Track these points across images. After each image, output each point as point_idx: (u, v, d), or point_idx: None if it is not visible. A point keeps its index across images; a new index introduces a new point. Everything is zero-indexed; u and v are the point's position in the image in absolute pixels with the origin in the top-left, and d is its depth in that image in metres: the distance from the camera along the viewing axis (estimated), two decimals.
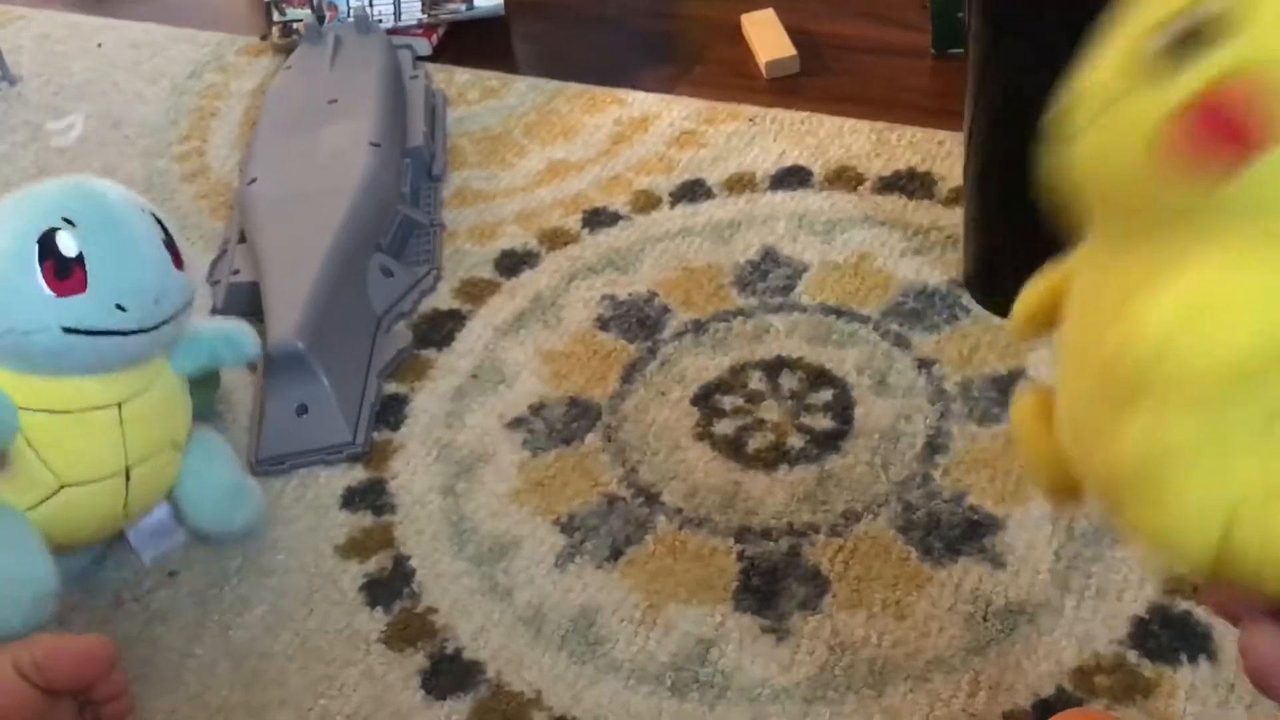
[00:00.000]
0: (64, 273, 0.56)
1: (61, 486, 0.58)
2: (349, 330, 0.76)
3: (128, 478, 0.60)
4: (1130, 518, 0.28)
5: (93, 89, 1.08)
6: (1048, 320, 0.35)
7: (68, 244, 0.56)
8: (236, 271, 0.82)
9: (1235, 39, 0.26)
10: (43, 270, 0.56)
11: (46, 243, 0.56)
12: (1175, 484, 0.27)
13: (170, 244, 0.61)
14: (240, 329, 0.66)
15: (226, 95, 1.05)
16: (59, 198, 0.58)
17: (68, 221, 0.57)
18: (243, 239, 0.84)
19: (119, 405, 0.59)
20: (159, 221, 0.61)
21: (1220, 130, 0.26)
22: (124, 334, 0.58)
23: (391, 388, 0.75)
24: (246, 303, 0.80)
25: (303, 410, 0.71)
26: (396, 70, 0.97)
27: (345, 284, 0.77)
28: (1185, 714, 0.51)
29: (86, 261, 0.57)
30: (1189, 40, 0.27)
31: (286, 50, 1.05)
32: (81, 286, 0.56)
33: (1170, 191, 0.27)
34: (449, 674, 0.59)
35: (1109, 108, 0.29)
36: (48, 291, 0.56)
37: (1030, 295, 0.35)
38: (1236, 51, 0.26)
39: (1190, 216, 0.27)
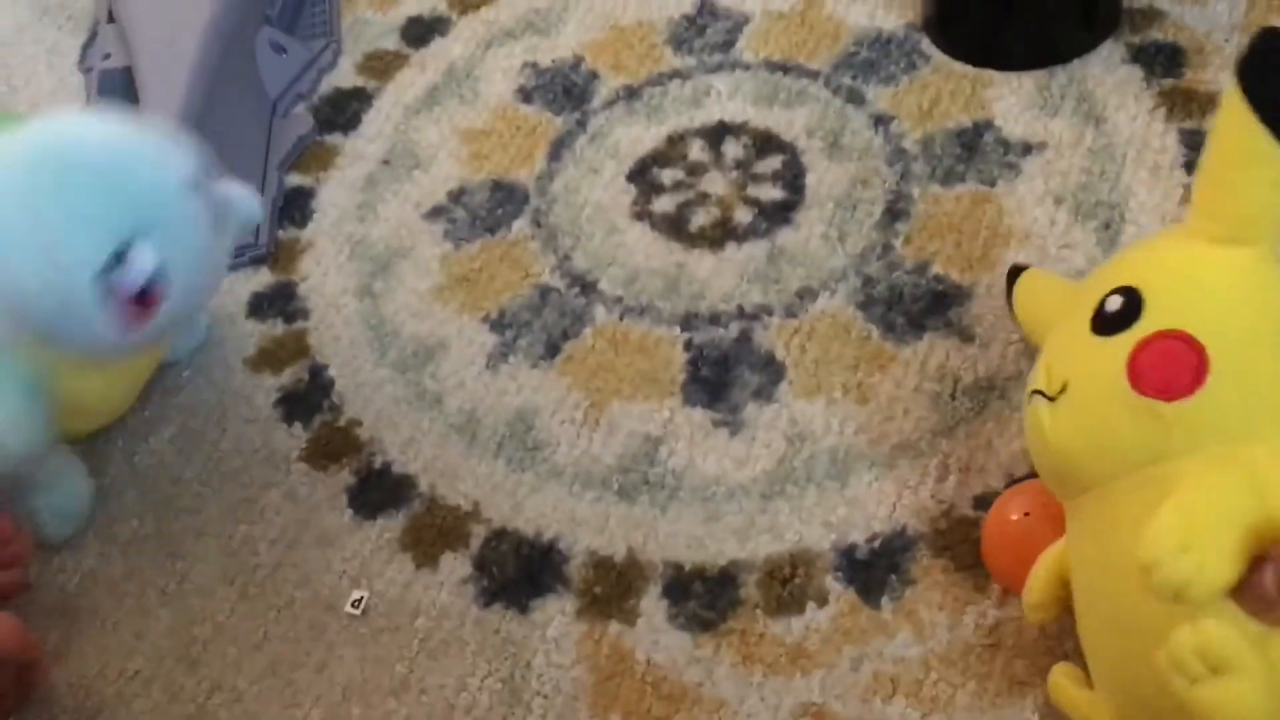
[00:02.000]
0: (139, 298, 0.49)
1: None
2: (240, 117, 0.68)
3: None
4: (1202, 705, 0.35)
5: None
6: (1061, 590, 0.42)
7: (145, 260, 0.48)
8: (108, 56, 0.73)
9: (1149, 314, 0.38)
10: (117, 299, 0.48)
11: (120, 261, 0.48)
12: (1235, 667, 0.34)
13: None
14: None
15: None
16: (118, 208, 0.48)
17: (137, 235, 0.48)
18: (111, 18, 0.74)
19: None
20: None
21: (1165, 367, 0.36)
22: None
23: (294, 180, 0.68)
24: (123, 90, 0.71)
25: None
26: None
27: (230, 63, 0.69)
28: None
29: (164, 277, 0.49)
30: (1117, 317, 0.38)
31: None
32: (156, 305, 0.49)
33: (1144, 417, 0.37)
34: (378, 490, 0.54)
35: (1079, 371, 0.39)
36: (121, 324, 0.49)
37: (1036, 581, 0.42)
38: (1154, 321, 0.37)
39: (1165, 450, 0.37)
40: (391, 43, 0.74)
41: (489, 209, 0.64)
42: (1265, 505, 0.34)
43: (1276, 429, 0.36)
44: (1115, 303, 0.38)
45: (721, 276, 0.59)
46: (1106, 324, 0.38)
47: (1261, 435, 0.36)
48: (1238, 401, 0.36)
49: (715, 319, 0.57)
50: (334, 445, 0.56)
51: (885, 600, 0.47)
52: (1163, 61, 0.62)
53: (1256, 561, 0.34)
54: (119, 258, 0.48)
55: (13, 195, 0.48)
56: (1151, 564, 0.34)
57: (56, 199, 0.47)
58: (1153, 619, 0.35)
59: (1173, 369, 0.36)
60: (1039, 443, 0.40)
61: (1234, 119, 0.37)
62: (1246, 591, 0.34)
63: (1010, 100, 0.62)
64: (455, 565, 0.51)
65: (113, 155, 0.49)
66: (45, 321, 0.48)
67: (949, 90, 0.63)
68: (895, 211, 0.59)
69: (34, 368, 0.50)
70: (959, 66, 0.64)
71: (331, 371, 0.59)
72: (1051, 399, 0.39)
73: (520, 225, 0.63)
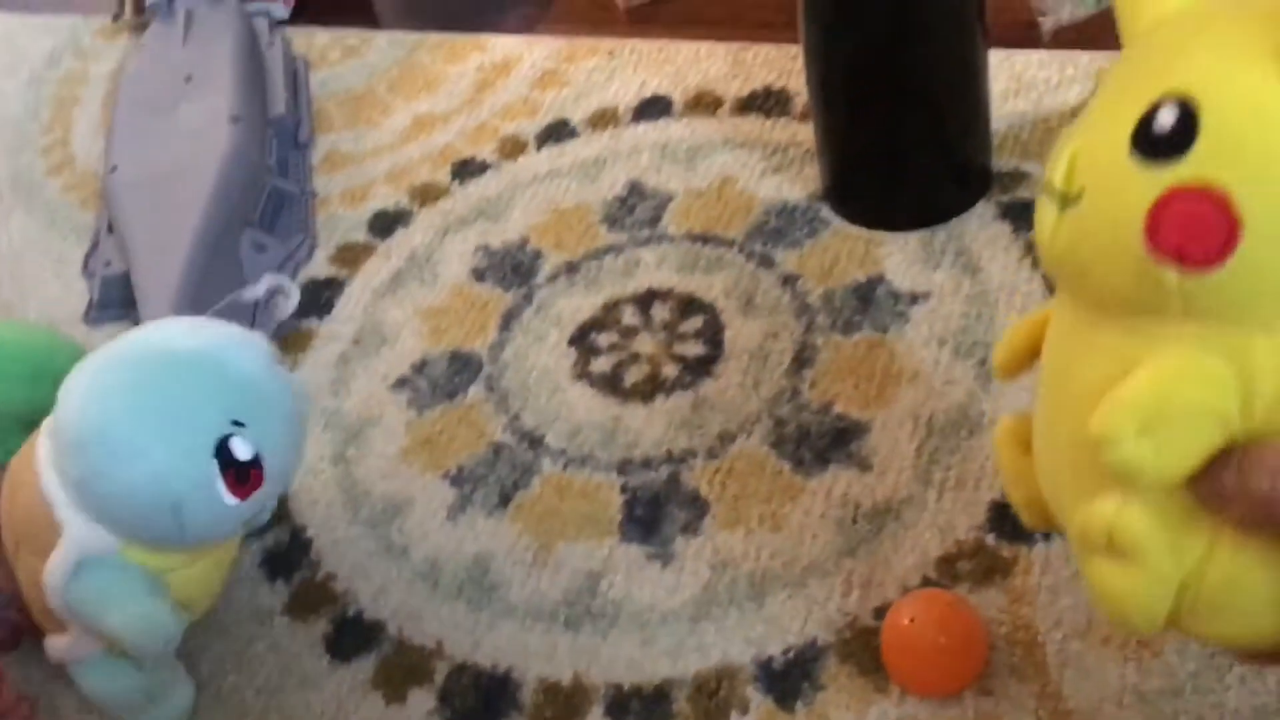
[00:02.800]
0: (243, 478, 0.52)
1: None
2: (224, 312, 0.76)
3: None
4: (1093, 579, 0.33)
5: None
6: (1028, 359, 0.39)
7: (243, 450, 0.52)
8: (109, 263, 0.82)
9: (1197, 152, 0.30)
10: (225, 481, 0.52)
11: (222, 453, 0.52)
12: (1137, 562, 0.32)
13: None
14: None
15: (86, 81, 1.04)
16: (219, 397, 0.52)
17: (237, 424, 0.52)
18: (111, 229, 0.83)
19: None
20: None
21: (1188, 232, 0.30)
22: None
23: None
24: (121, 295, 0.80)
25: None
26: (253, 39, 0.96)
27: (217, 264, 0.77)
28: (1040, 588, 0.54)
29: (262, 460, 0.53)
30: (1164, 140, 0.30)
31: (140, 28, 1.03)
32: (259, 484, 0.53)
33: (1149, 282, 0.31)
34: (352, 636, 0.60)
35: (1100, 186, 0.32)
36: (232, 501, 0.52)
37: (1012, 336, 0.39)
38: (1199, 163, 0.30)
39: (1160, 311, 0.31)
40: (360, 235, 0.83)
41: (448, 377, 0.72)
42: (1246, 403, 0.30)
43: None
44: (1168, 118, 0.30)
45: (652, 426, 0.66)
46: (1150, 144, 0.31)
47: (1273, 328, 0.30)
48: (1258, 289, 0.30)
49: (647, 464, 0.64)
50: (312, 598, 0.63)
51: (799, 705, 0.53)
52: (1028, 217, 0.71)
53: (1223, 454, 0.31)
54: (224, 443, 0.51)
55: (121, 402, 0.51)
56: (1107, 439, 0.30)
57: (165, 393, 0.52)
58: (1087, 465, 0.33)
59: (1196, 236, 0.30)
60: (1039, 239, 0.35)
61: None
62: (1206, 482, 0.31)
63: (899, 257, 0.71)
64: (422, 699, 0.57)
65: (205, 348, 0.54)
66: (162, 515, 0.51)
67: (846, 250, 0.72)
68: (802, 359, 0.67)
69: (147, 569, 0.54)
70: (854, 229, 0.73)
71: (310, 532, 0.66)
72: (1064, 199, 0.33)
73: (475, 391, 0.71)
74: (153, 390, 0.52)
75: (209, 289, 0.76)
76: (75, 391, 0.52)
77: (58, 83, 1.04)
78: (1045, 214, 0.34)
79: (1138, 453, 0.30)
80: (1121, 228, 0.31)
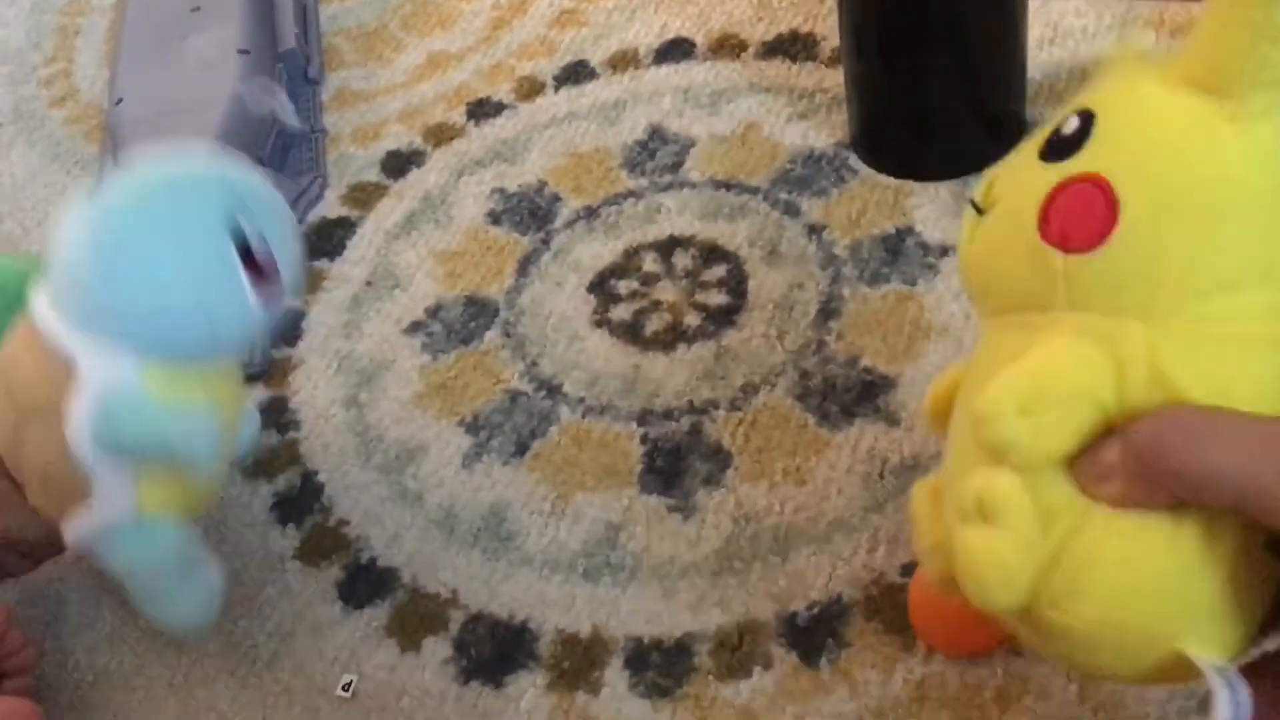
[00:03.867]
0: (259, 271, 0.51)
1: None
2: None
3: None
4: (960, 547, 0.35)
5: None
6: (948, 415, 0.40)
7: (256, 240, 0.50)
8: None
9: (1089, 149, 0.34)
10: (247, 273, 0.50)
11: (239, 240, 0.50)
12: (1001, 523, 0.34)
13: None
14: None
15: (89, 10, 1.01)
16: (223, 194, 0.50)
17: (242, 216, 0.50)
18: (117, 162, 0.81)
19: None
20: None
21: (1073, 217, 0.33)
22: None
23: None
24: None
25: None
26: None
27: None
28: None
29: (272, 253, 0.51)
30: (1064, 143, 0.34)
31: None
32: (274, 279, 0.51)
33: (1039, 270, 0.34)
34: (365, 583, 0.59)
35: (1008, 192, 0.36)
36: (254, 298, 0.50)
37: (937, 390, 0.42)
38: (1089, 158, 0.33)
39: (1048, 301, 0.34)
40: (373, 175, 0.81)
41: (463, 322, 0.70)
42: (1120, 386, 0.32)
43: (1166, 311, 0.32)
44: (1071, 125, 0.34)
45: (674, 376, 0.65)
46: (1054, 148, 0.34)
47: (1147, 313, 0.33)
48: (1133, 272, 0.33)
49: (668, 414, 0.63)
50: (324, 544, 0.61)
51: (824, 662, 0.52)
52: None
53: (1101, 436, 0.33)
54: (237, 233, 0.50)
55: (132, 219, 0.50)
56: (985, 418, 0.33)
57: (171, 199, 0.50)
58: (973, 450, 0.35)
59: (1079, 219, 0.33)
60: (959, 254, 0.38)
61: None
62: (1085, 461, 0.33)
63: (929, 208, 0.69)
64: (436, 648, 0.56)
65: (191, 160, 0.53)
66: (193, 318, 0.50)
67: (874, 200, 0.70)
68: (828, 311, 0.65)
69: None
70: (883, 179, 0.71)
71: (321, 477, 0.64)
72: (980, 212, 0.37)
73: (491, 336, 0.69)
74: (158, 199, 0.50)
75: None
76: (79, 227, 0.50)
77: (59, 12, 1.02)
78: (965, 224, 0.37)
79: (1015, 431, 0.32)
80: (1020, 221, 0.34)
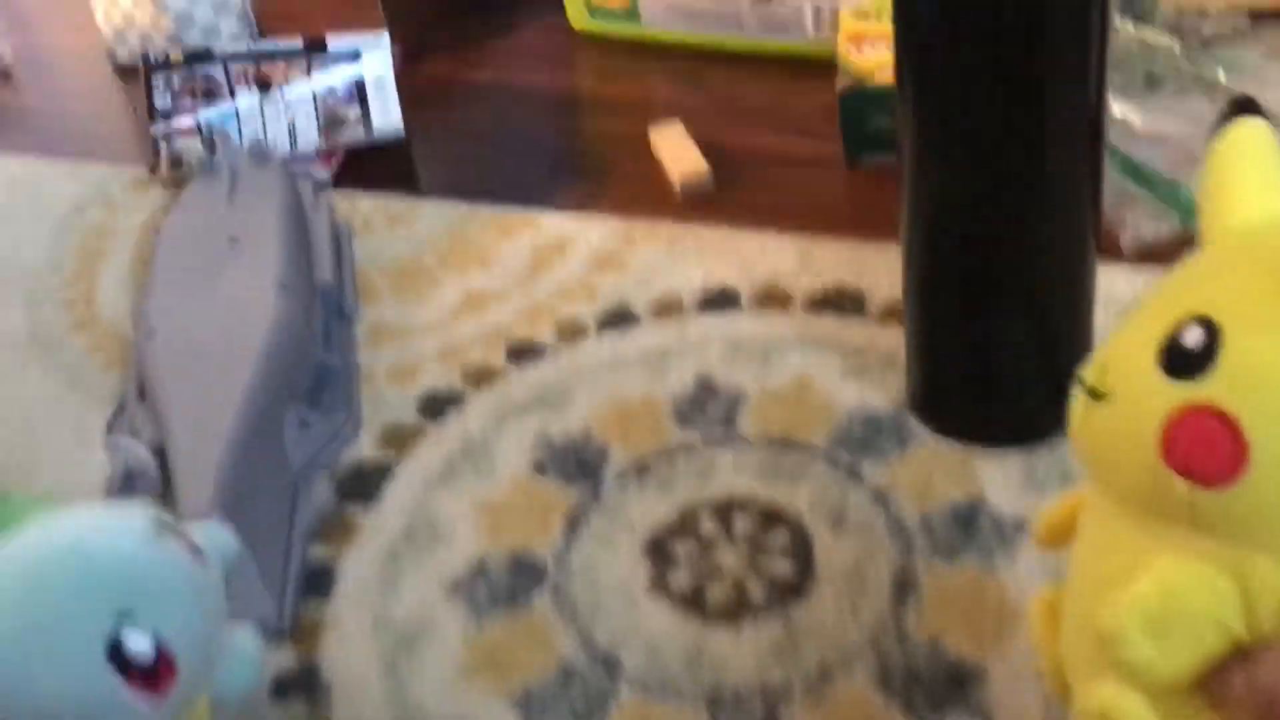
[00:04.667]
0: (150, 673, 0.47)
1: None
2: (267, 492, 0.71)
3: None
4: None
5: None
6: (1066, 534, 0.42)
7: (139, 642, 0.47)
8: (138, 431, 0.76)
9: (1216, 377, 0.34)
10: (131, 685, 0.46)
11: (117, 655, 0.46)
12: None
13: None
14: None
15: (114, 233, 0.99)
16: (96, 594, 0.47)
17: (125, 616, 0.47)
18: (142, 395, 0.78)
19: None
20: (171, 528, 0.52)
21: (1198, 451, 0.33)
22: None
23: (317, 551, 0.70)
24: (147, 467, 0.74)
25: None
26: (299, 202, 0.92)
27: (261, 442, 0.72)
28: None
29: (170, 647, 0.47)
30: (1187, 358, 0.34)
31: (176, 183, 1.00)
32: (171, 674, 0.47)
33: (1161, 488, 0.34)
34: None
35: (1125, 390, 0.36)
36: (145, 704, 0.47)
37: (1051, 512, 0.44)
38: (1216, 388, 0.33)
39: (1171, 517, 0.34)
40: (409, 417, 0.78)
41: (509, 582, 0.66)
42: (1248, 615, 0.34)
43: None
44: (1192, 338, 0.34)
45: (740, 652, 0.61)
46: (1173, 360, 0.35)
47: (1273, 549, 0.34)
48: (1264, 515, 0.34)
49: (739, 699, 0.59)
50: None
51: None
52: None
53: (1232, 658, 0.34)
54: (116, 644, 0.46)
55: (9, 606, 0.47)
56: (1114, 638, 0.34)
57: (38, 606, 0.47)
58: (1097, 648, 0.36)
59: (1205, 454, 0.34)
60: (1070, 429, 0.40)
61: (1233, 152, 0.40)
62: (1212, 685, 0.34)
63: (999, 478, 0.67)
64: None
65: (68, 542, 0.49)
66: None
67: (941, 467, 0.68)
68: (904, 586, 0.62)
69: None
70: (947, 444, 0.69)
71: None
72: (1091, 393, 0.38)
73: (540, 600, 0.65)
74: (26, 606, 0.47)
75: (251, 467, 0.70)
76: None
77: (83, 233, 1.00)
78: (1076, 406, 0.38)
79: (1142, 653, 0.33)
80: (1140, 434, 0.35)
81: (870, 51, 0.91)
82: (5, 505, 0.66)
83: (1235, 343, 0.33)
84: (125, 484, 0.75)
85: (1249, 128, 0.41)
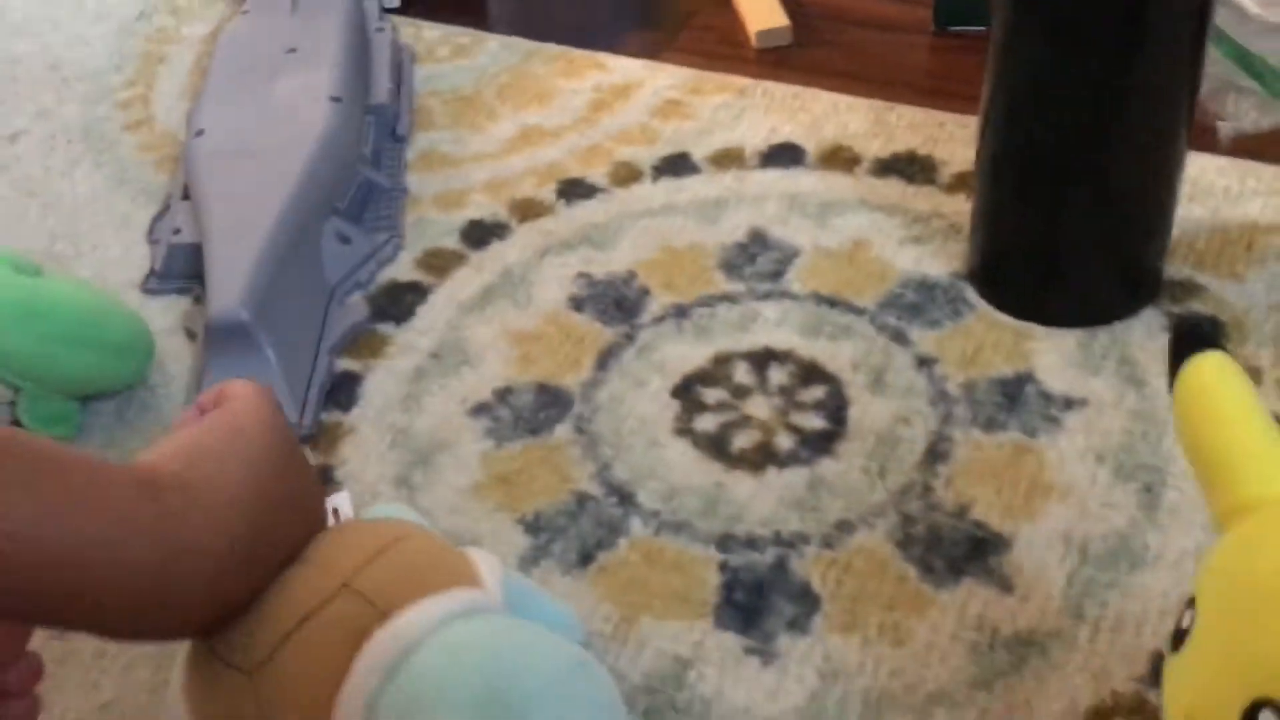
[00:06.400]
0: None
1: None
2: (299, 300, 0.70)
3: None
4: None
5: (30, 26, 1.00)
6: None
7: None
8: (178, 231, 0.75)
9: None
10: None
11: None
12: None
13: None
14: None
15: (177, 40, 0.98)
16: None
17: None
18: (186, 195, 0.77)
19: None
20: None
21: None
22: None
23: (344, 364, 0.69)
24: (187, 265, 0.73)
25: None
26: (361, 21, 0.90)
27: (297, 250, 0.71)
28: None
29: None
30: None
31: None
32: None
33: None
34: None
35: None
36: None
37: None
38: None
39: None
40: (452, 242, 0.76)
41: (533, 411, 0.65)
42: None
43: None
44: (1187, 619, 0.37)
45: (760, 500, 0.59)
46: (1177, 640, 0.37)
47: None
48: None
49: (752, 543, 0.57)
50: None
51: None
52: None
53: None
54: None
55: None
56: None
57: None
58: None
59: None
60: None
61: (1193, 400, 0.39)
62: None
63: (1052, 355, 0.64)
64: None
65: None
66: None
67: (992, 340, 0.65)
68: (937, 452, 0.60)
69: None
70: (1003, 318, 0.66)
71: None
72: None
73: (563, 430, 0.63)
74: None
75: (285, 272, 0.69)
76: None
77: (146, 38, 0.99)
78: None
79: None
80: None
81: None
82: (38, 281, 0.66)
83: (1202, 607, 0.35)
84: (162, 282, 0.75)
85: (1211, 365, 0.40)
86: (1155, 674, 0.50)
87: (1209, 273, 0.67)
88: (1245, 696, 0.34)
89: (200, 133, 0.78)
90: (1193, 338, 0.41)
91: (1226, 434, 0.39)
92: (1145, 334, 0.64)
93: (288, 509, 0.44)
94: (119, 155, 0.86)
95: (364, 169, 0.79)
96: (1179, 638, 0.37)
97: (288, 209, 0.71)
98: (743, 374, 0.65)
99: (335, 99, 0.79)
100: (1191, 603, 0.37)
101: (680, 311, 0.69)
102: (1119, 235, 0.64)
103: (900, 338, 0.66)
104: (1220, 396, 0.40)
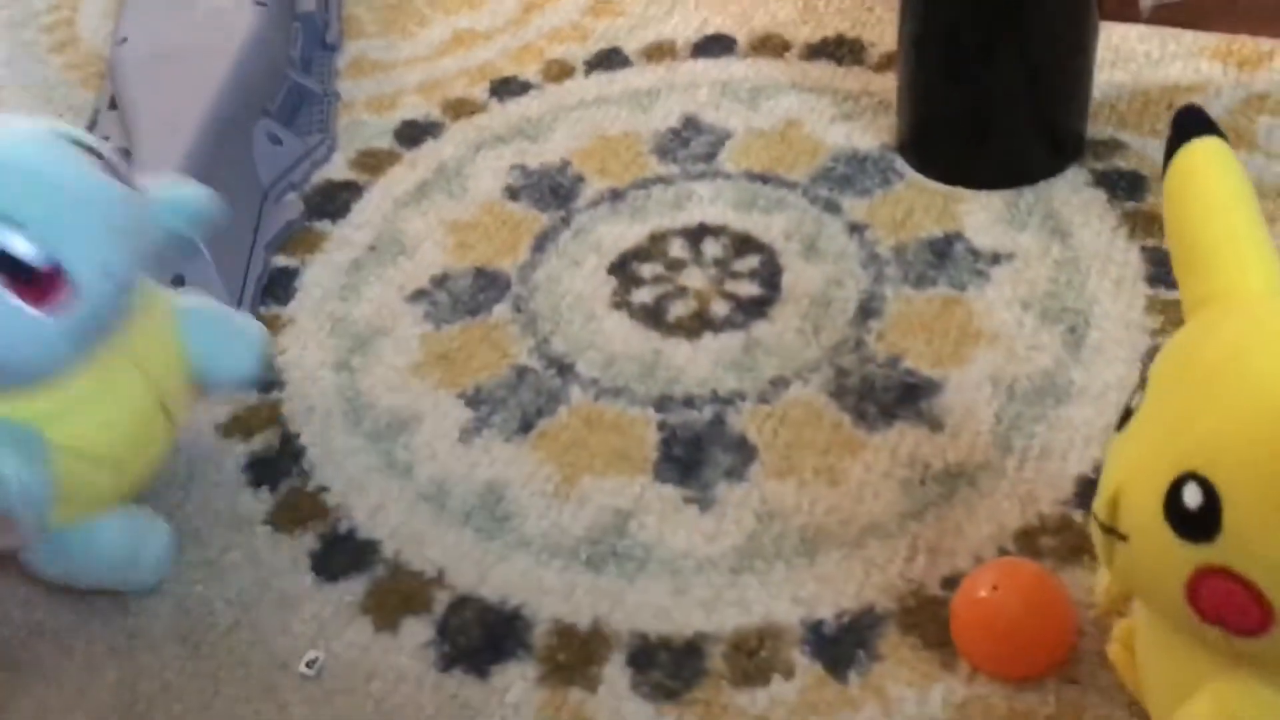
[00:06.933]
0: (36, 283, 0.44)
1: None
2: (232, 199, 0.69)
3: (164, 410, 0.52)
4: None
5: None
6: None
7: (24, 248, 0.44)
8: (107, 138, 0.74)
9: (1225, 544, 0.33)
10: (12, 288, 0.44)
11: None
12: None
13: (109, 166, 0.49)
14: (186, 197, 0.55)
15: None
16: None
17: (13, 223, 0.44)
18: (114, 105, 0.76)
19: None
20: (89, 148, 0.49)
21: (1225, 609, 0.33)
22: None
23: (281, 260, 0.69)
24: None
25: (179, 281, 0.64)
26: None
27: (226, 150, 0.70)
28: None
29: (61, 264, 0.45)
30: (1193, 520, 0.33)
31: None
32: (61, 289, 0.45)
33: (1197, 627, 0.34)
34: (342, 554, 0.53)
35: (1140, 542, 0.35)
36: (32, 311, 0.45)
37: (1120, 658, 0.43)
38: (1228, 554, 0.33)
39: (1211, 645, 0.34)
40: (385, 142, 0.76)
41: (471, 294, 0.65)
42: None
43: None
44: (1193, 499, 0.33)
45: (697, 363, 0.59)
46: (1179, 521, 0.33)
47: None
48: None
49: (689, 402, 0.58)
50: (300, 509, 0.55)
51: (852, 675, 0.46)
52: (1125, 186, 0.65)
53: None
54: None
55: None
56: None
57: None
58: None
59: (1234, 613, 0.33)
60: (1098, 551, 0.37)
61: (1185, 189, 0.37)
62: None
63: (980, 215, 0.65)
64: (416, 630, 0.50)
65: None
66: None
67: (922, 204, 0.66)
68: (868, 310, 0.61)
69: (13, 423, 0.47)
70: (931, 184, 0.67)
71: (303, 439, 0.59)
72: (1107, 529, 0.36)
73: (501, 310, 0.64)
74: None
75: (215, 172, 0.68)
76: None
77: None
78: (1099, 539, 0.36)
79: None
80: (1165, 585, 0.34)
81: None
82: None
83: (1234, 509, 0.32)
84: None
85: (1206, 149, 0.37)
86: (1081, 497, 0.51)
87: (1131, 131, 0.68)
88: (1174, 469, 0.33)
89: (124, 40, 0.77)
90: (1192, 123, 0.38)
91: (1208, 221, 0.36)
92: (1070, 190, 0.65)
93: None
94: (45, 76, 0.85)
95: (293, 74, 0.78)
96: (1125, 416, 0.36)
97: (214, 110, 0.71)
98: (678, 249, 0.66)
99: (260, 3, 0.78)
100: (1143, 384, 0.36)
101: (615, 195, 0.70)
102: (1039, 99, 0.65)
103: (832, 207, 0.67)
104: (1209, 182, 0.37)
